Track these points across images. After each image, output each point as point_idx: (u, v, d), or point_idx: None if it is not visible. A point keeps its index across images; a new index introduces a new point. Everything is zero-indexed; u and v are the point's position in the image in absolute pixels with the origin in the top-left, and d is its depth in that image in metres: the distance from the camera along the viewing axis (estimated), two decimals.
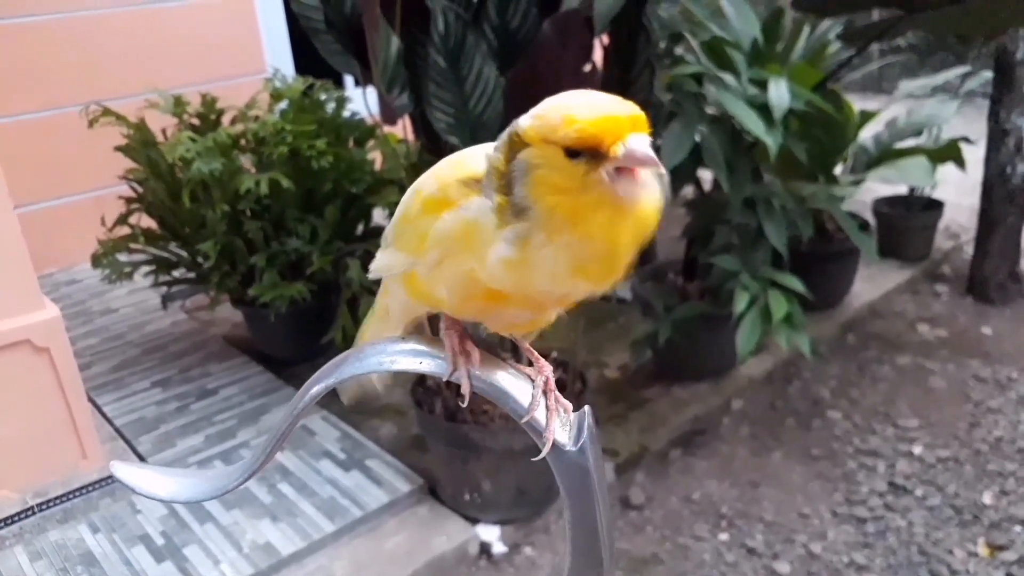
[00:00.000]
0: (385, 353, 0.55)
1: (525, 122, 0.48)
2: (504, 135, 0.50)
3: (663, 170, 0.47)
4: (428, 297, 0.56)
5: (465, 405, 0.58)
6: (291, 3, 1.87)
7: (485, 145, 0.54)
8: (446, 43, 1.64)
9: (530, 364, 0.59)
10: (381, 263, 0.61)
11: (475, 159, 0.53)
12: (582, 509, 0.55)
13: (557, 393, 0.57)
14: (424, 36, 1.69)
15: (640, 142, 0.45)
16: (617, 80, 1.80)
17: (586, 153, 0.46)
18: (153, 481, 0.56)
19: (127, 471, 0.55)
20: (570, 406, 0.57)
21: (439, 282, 0.54)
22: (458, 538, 1.94)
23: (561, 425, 0.55)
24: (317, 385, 0.55)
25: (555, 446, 0.55)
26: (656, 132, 1.89)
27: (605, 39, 1.96)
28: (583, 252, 0.48)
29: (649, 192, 0.47)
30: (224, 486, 0.55)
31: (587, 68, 1.73)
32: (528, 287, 0.50)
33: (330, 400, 2.48)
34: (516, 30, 1.79)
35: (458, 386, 1.73)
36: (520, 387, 0.56)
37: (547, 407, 0.56)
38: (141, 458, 2.17)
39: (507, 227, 0.48)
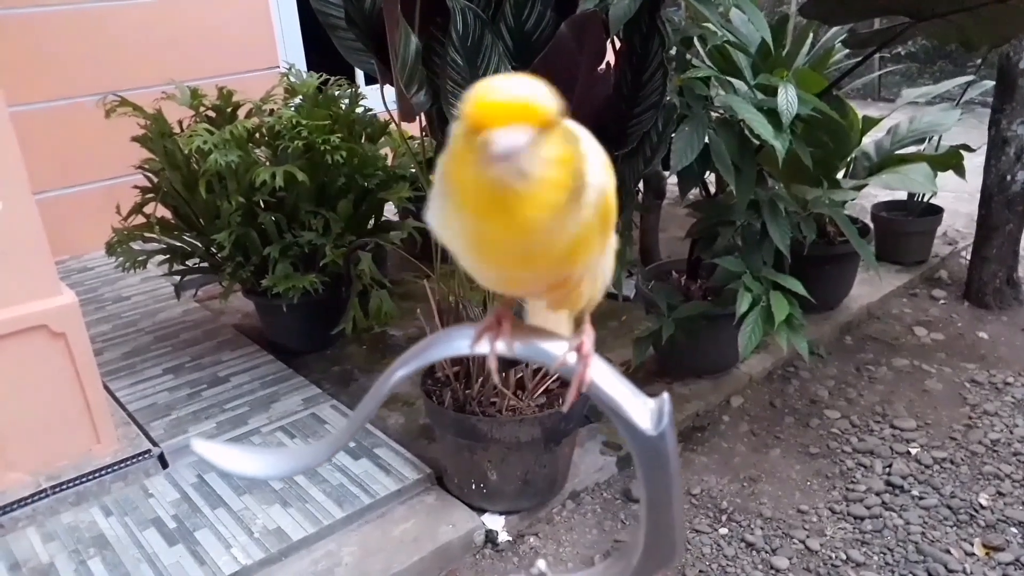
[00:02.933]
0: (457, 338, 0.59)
1: (465, 96, 0.50)
2: None
3: (518, 164, 0.46)
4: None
5: (495, 377, 0.62)
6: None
7: None
8: (464, 42, 1.68)
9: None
10: None
11: None
12: (659, 493, 0.56)
13: (591, 352, 0.60)
14: (442, 35, 1.72)
15: (502, 135, 0.45)
16: (630, 82, 1.84)
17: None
18: (234, 458, 0.57)
19: (206, 447, 0.57)
20: (595, 358, 0.60)
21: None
22: (464, 527, 1.98)
23: (644, 408, 0.57)
24: (404, 368, 0.57)
25: (636, 431, 0.56)
26: (667, 134, 1.94)
27: (618, 41, 2.00)
28: (465, 223, 0.51)
29: (527, 168, 0.46)
30: (307, 464, 0.57)
31: (601, 69, 1.77)
32: (466, 250, 0.53)
33: (339, 390, 2.53)
34: (532, 31, 1.83)
35: (467, 376, 1.78)
36: (555, 346, 0.59)
37: (581, 357, 0.59)
38: (154, 443, 2.20)
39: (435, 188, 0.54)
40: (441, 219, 0.54)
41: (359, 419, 0.58)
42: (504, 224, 0.49)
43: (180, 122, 2.48)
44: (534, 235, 0.50)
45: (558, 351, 0.59)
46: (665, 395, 0.58)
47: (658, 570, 0.59)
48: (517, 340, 0.59)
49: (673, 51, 2.21)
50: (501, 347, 0.59)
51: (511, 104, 0.46)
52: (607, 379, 0.58)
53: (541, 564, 0.64)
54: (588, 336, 0.61)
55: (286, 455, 0.60)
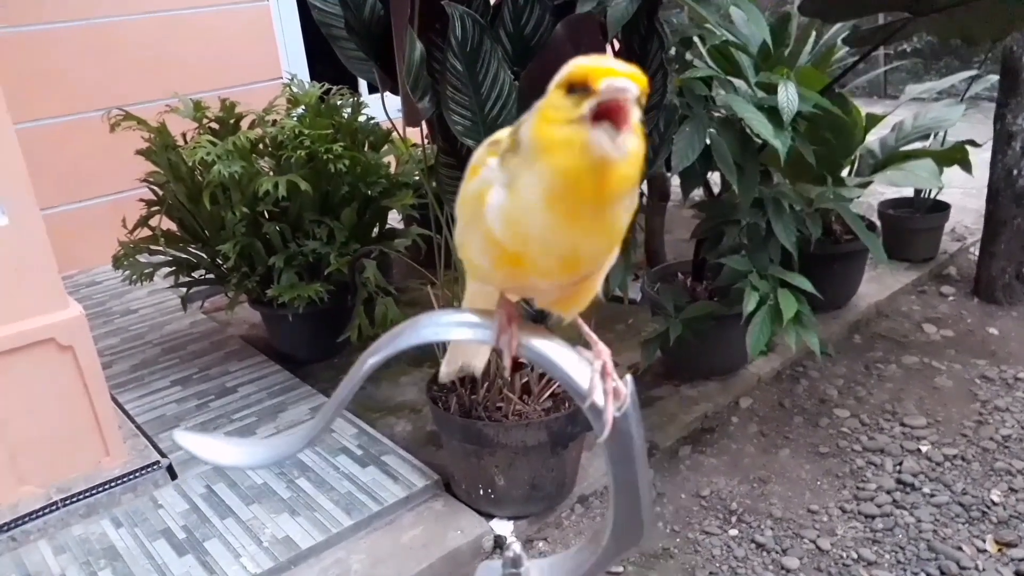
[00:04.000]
0: (439, 324, 0.59)
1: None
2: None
3: (634, 92, 0.47)
4: (474, 268, 0.58)
5: (507, 374, 0.62)
6: (312, 11, 1.92)
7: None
8: (463, 48, 1.68)
9: (587, 347, 0.61)
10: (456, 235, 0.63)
11: (506, 128, 0.56)
12: (624, 472, 0.58)
13: (615, 376, 0.59)
14: (441, 41, 1.73)
15: (622, 80, 0.47)
16: None
17: (579, 89, 0.48)
18: (215, 449, 0.59)
19: (190, 439, 0.59)
20: (625, 392, 0.59)
21: (473, 250, 0.57)
22: (472, 532, 1.98)
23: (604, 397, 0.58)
24: (375, 356, 0.58)
25: (597, 413, 0.57)
26: (668, 135, 1.94)
27: (617, 44, 2.00)
28: (556, 184, 0.49)
29: (625, 143, 0.48)
30: (284, 452, 0.58)
31: None
32: (520, 233, 0.51)
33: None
34: (531, 35, 1.83)
35: (473, 382, 1.77)
36: (578, 367, 0.58)
37: (604, 391, 0.58)
38: (163, 454, 2.21)
39: (505, 171, 0.52)
40: (505, 204, 0.52)
41: (333, 406, 0.58)
42: (592, 192, 0.49)
43: (184, 135, 2.50)
44: (610, 208, 0.50)
45: (581, 377, 0.58)
46: (628, 377, 0.58)
47: (627, 549, 0.61)
48: (533, 345, 0.59)
49: (673, 51, 2.22)
50: (525, 353, 0.59)
51: (619, 67, 0.48)
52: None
53: (516, 547, 0.65)
54: (606, 354, 0.60)
55: (264, 445, 0.61)
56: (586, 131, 0.47)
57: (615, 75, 0.47)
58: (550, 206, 0.50)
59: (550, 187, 0.49)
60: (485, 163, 0.55)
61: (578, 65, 0.49)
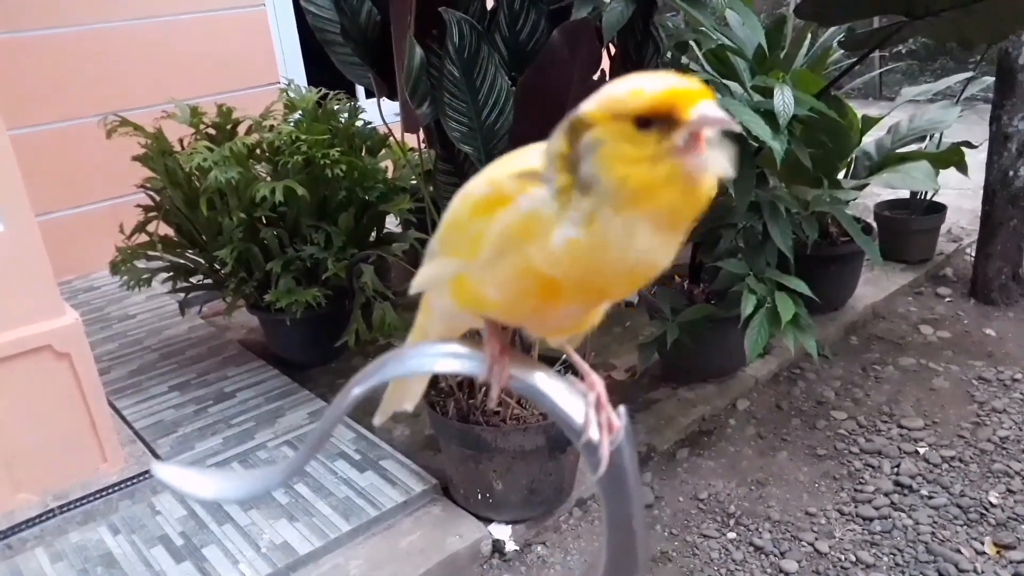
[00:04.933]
0: (426, 355, 0.56)
1: (588, 106, 0.48)
2: (561, 126, 0.50)
3: (738, 127, 0.46)
4: (477, 301, 0.56)
5: (493, 406, 0.60)
6: (307, 16, 1.92)
7: (528, 147, 0.54)
8: (461, 54, 1.68)
9: (575, 374, 0.59)
10: (427, 274, 0.60)
11: (526, 157, 0.53)
12: (618, 506, 0.56)
13: (610, 409, 0.56)
14: (439, 47, 1.73)
15: (711, 106, 0.45)
16: None
17: (657, 122, 0.45)
18: (194, 481, 0.56)
19: (168, 471, 0.56)
20: (619, 424, 0.56)
21: (492, 283, 0.53)
22: (471, 537, 1.98)
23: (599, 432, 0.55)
24: (358, 387, 0.55)
25: (592, 450, 0.55)
26: None
27: (613, 48, 2.00)
28: (654, 222, 0.47)
29: (717, 161, 0.46)
30: (266, 486, 0.57)
31: (595, 77, 1.77)
32: (594, 268, 0.49)
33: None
34: (526, 41, 1.83)
35: (470, 387, 1.77)
36: (570, 401, 0.56)
37: (600, 424, 0.55)
38: (161, 461, 2.21)
39: (570, 208, 0.48)
40: (582, 242, 0.48)
41: (316, 438, 0.56)
42: (693, 217, 0.47)
43: (181, 140, 2.50)
44: (694, 219, 0.48)
45: (575, 411, 0.56)
46: (621, 408, 0.56)
47: None
48: (524, 377, 0.57)
49: (669, 56, 2.22)
50: (516, 386, 0.57)
51: (693, 88, 0.46)
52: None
53: None
54: (599, 385, 0.58)
55: (244, 478, 0.59)
56: (680, 163, 0.45)
57: (697, 101, 0.45)
58: (647, 244, 0.48)
59: (658, 224, 0.47)
60: (521, 196, 0.51)
61: (641, 94, 0.46)
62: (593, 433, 0.54)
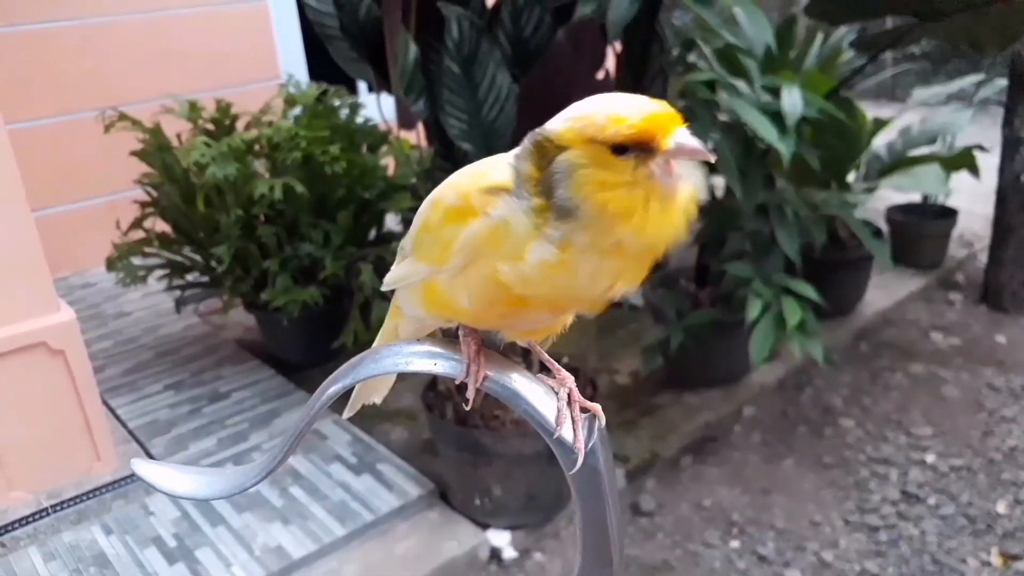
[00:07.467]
0: (401, 355, 0.56)
1: (557, 126, 0.49)
2: (527, 143, 0.50)
3: (712, 158, 0.47)
4: (447, 307, 0.56)
5: (469, 408, 0.58)
6: (306, 10, 1.89)
7: (497, 156, 0.54)
8: (460, 50, 1.65)
9: (547, 371, 0.59)
10: (398, 274, 0.61)
11: (493, 169, 0.53)
12: (593, 510, 0.56)
13: (582, 399, 0.57)
14: (439, 43, 1.70)
15: (686, 135, 0.47)
16: (630, 88, 1.81)
17: (634, 149, 0.47)
18: (172, 478, 0.56)
19: (147, 468, 0.56)
20: (597, 407, 0.57)
21: (462, 290, 0.54)
22: (468, 543, 1.95)
23: (572, 427, 0.56)
24: (334, 385, 0.55)
25: (566, 447, 0.55)
26: None
27: (618, 47, 1.97)
28: (633, 247, 0.48)
29: (690, 184, 0.48)
30: (241, 484, 0.56)
31: (600, 76, 1.74)
32: (566, 288, 0.50)
33: (340, 404, 2.48)
34: (530, 38, 1.80)
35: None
36: (544, 400, 0.56)
37: (572, 418, 0.56)
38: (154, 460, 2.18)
39: (547, 229, 0.48)
40: (553, 261, 0.49)
41: (290, 441, 0.56)
42: (665, 229, 0.48)
43: (179, 136, 2.47)
44: (672, 242, 0.50)
45: (547, 409, 0.56)
46: (597, 406, 0.57)
47: None
48: (498, 378, 0.57)
49: (676, 54, 2.18)
50: (490, 386, 0.57)
51: (667, 114, 0.47)
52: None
53: None
54: (570, 381, 0.58)
55: (218, 476, 0.58)
56: (657, 186, 0.47)
57: (672, 128, 0.47)
58: (623, 267, 0.50)
59: (641, 248, 0.49)
60: (491, 209, 0.51)
61: (623, 123, 0.46)
62: (567, 431, 0.55)
